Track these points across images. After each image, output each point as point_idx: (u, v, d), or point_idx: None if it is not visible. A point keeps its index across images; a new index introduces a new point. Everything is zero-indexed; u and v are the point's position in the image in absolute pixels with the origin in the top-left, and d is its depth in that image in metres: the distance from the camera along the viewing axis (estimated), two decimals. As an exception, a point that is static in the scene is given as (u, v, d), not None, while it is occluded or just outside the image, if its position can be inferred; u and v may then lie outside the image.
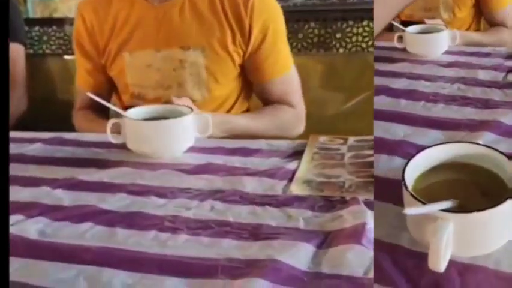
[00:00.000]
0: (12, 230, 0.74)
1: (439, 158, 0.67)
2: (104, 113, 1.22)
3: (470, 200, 0.61)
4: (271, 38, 1.20)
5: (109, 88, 1.29)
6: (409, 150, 0.80)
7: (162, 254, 0.67)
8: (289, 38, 1.27)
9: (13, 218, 0.77)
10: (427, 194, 0.61)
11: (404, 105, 1.00)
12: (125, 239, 0.71)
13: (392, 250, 0.62)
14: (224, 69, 1.21)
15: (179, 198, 0.80)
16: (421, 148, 0.67)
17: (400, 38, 1.29)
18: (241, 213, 0.76)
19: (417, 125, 0.90)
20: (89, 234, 0.73)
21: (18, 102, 1.49)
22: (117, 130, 0.96)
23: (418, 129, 0.89)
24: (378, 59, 1.26)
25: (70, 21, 1.95)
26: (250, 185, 0.83)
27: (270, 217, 0.74)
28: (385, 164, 0.79)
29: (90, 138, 1.06)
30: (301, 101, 1.26)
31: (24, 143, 1.06)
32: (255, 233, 0.71)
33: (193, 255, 0.67)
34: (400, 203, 0.64)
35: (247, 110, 1.31)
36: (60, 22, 2.03)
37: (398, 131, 0.89)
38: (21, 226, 0.75)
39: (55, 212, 0.79)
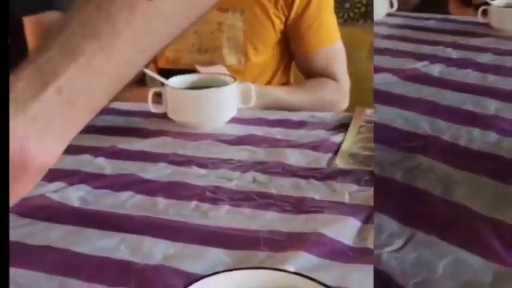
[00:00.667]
0: (54, 196, 0.74)
1: None
2: (141, 81, 1.21)
3: None
4: (315, 5, 1.17)
5: None
6: (503, 126, 0.79)
7: (204, 225, 0.66)
8: (335, 8, 1.23)
9: (55, 185, 0.77)
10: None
11: (492, 80, 0.97)
12: (166, 208, 0.71)
13: (495, 225, 0.60)
14: (263, 34, 1.18)
15: (221, 169, 0.79)
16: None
17: (484, 12, 1.24)
18: (284, 186, 0.74)
19: (508, 101, 0.87)
20: (130, 203, 0.72)
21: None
22: (157, 99, 0.95)
23: (509, 105, 0.86)
24: (458, 33, 1.23)
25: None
26: (294, 158, 0.81)
27: (314, 190, 0.72)
28: (479, 138, 0.77)
29: (130, 107, 1.05)
30: (345, 75, 1.23)
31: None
32: (299, 206, 0.69)
33: (235, 227, 0.65)
34: (497, 177, 0.62)
35: (287, 84, 1.28)
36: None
37: (489, 106, 0.86)
38: (62, 193, 0.75)
39: (96, 180, 0.78)
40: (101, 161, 0.84)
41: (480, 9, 1.25)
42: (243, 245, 0.62)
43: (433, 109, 0.85)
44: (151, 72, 0.95)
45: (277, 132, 0.90)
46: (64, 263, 0.62)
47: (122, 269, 0.60)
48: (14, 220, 0.70)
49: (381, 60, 1.09)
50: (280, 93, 1.14)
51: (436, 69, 1.03)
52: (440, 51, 1.12)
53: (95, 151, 0.87)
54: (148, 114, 0.97)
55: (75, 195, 0.75)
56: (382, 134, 0.79)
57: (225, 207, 0.70)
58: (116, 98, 1.24)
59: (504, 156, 0.60)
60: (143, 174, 0.79)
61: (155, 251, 0.62)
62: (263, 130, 0.91)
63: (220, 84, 0.92)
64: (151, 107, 0.94)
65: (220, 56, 1.17)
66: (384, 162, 0.70)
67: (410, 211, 0.62)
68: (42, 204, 0.73)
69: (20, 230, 0.68)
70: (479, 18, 1.25)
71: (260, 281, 0.49)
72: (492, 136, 0.77)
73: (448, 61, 1.06)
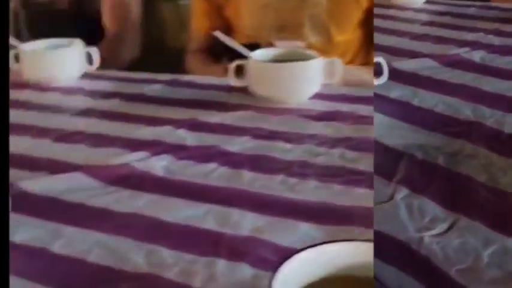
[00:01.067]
0: (138, 165, 0.74)
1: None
2: (218, 57, 1.20)
3: None
4: None
5: (224, 31, 1.27)
6: None
7: (292, 199, 0.65)
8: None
9: (138, 155, 0.77)
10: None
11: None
12: (252, 181, 0.69)
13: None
14: (347, 12, 1.15)
15: (306, 144, 0.77)
16: None
17: None
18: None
19: None
20: (215, 175, 0.71)
21: (132, 46, 1.48)
22: (238, 73, 0.93)
23: None
24: (500, 20, 1.20)
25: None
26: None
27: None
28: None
29: (209, 81, 1.04)
30: None
31: (144, 83, 1.06)
32: (390, 183, 0.67)
33: (324, 201, 0.64)
34: None
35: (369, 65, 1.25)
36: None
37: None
38: (146, 163, 0.75)
39: (179, 151, 0.78)
40: (182, 132, 0.84)
41: None
42: (334, 220, 0.60)
43: (475, 95, 0.83)
44: (234, 44, 0.93)
45: (362, 109, 0.87)
46: (152, 231, 0.61)
47: (211, 239, 0.59)
48: (99, 188, 0.70)
49: (420, 46, 1.07)
50: (363, 74, 1.10)
51: (477, 56, 1.00)
52: (481, 37, 1.09)
53: (176, 123, 0.86)
54: (227, 88, 0.96)
55: (159, 165, 0.74)
56: (424, 119, 0.76)
57: (312, 183, 0.68)
58: (194, 72, 1.24)
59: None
60: (227, 147, 0.78)
61: (244, 222, 0.61)
62: (348, 107, 0.88)
63: (304, 58, 0.90)
64: (232, 80, 0.93)
65: (301, 34, 1.15)
66: (427, 147, 0.68)
67: (453, 196, 0.60)
68: (127, 173, 0.73)
69: (106, 198, 0.68)
70: None
71: (360, 254, 0.47)
72: None
73: (490, 48, 1.04)
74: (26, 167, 0.76)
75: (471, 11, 1.29)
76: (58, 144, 0.83)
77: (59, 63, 1.07)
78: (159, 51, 1.63)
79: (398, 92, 0.85)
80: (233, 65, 0.92)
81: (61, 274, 0.56)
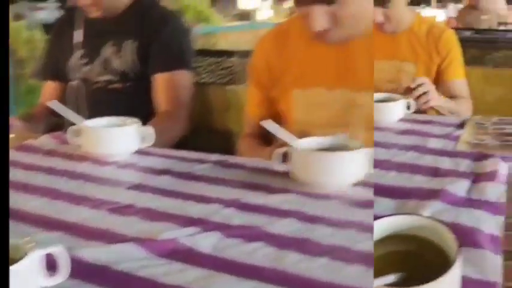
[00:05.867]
0: (187, 241, 0.78)
1: (385, 229, 0.68)
2: (268, 142, 1.26)
3: (415, 272, 0.63)
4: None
5: (275, 121, 1.33)
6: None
7: (337, 284, 0.68)
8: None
9: (187, 230, 0.81)
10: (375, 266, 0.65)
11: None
12: (296, 263, 0.73)
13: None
14: None
15: (348, 230, 0.81)
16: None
17: None
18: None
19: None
20: (260, 254, 0.75)
21: (181, 126, 1.54)
22: (282, 158, 0.99)
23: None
24: None
25: (238, 54, 1.99)
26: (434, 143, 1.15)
27: (445, 163, 1.04)
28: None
29: (254, 163, 1.09)
30: (469, 97, 1.66)
31: (193, 162, 1.11)
32: (434, 172, 0.97)
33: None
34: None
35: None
36: (222, 54, 2.08)
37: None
38: (195, 238, 0.79)
39: (226, 229, 0.82)
40: (229, 211, 0.88)
41: None
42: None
43: None
44: (282, 132, 0.99)
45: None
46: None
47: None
48: (150, 259, 0.74)
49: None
50: None
51: None
52: None
53: (223, 202, 0.91)
54: (270, 172, 1.01)
55: (207, 241, 0.78)
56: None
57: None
58: (244, 154, 1.29)
59: None
60: (270, 228, 0.82)
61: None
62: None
63: (346, 148, 0.95)
64: (276, 165, 0.98)
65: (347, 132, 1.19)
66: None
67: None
68: (175, 247, 0.77)
69: (156, 269, 0.72)
70: None
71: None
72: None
73: None
74: (83, 236, 0.81)
75: None
76: (113, 216, 0.88)
77: (117, 140, 1.15)
78: (205, 132, 1.70)
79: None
80: (278, 152, 0.97)
81: None
